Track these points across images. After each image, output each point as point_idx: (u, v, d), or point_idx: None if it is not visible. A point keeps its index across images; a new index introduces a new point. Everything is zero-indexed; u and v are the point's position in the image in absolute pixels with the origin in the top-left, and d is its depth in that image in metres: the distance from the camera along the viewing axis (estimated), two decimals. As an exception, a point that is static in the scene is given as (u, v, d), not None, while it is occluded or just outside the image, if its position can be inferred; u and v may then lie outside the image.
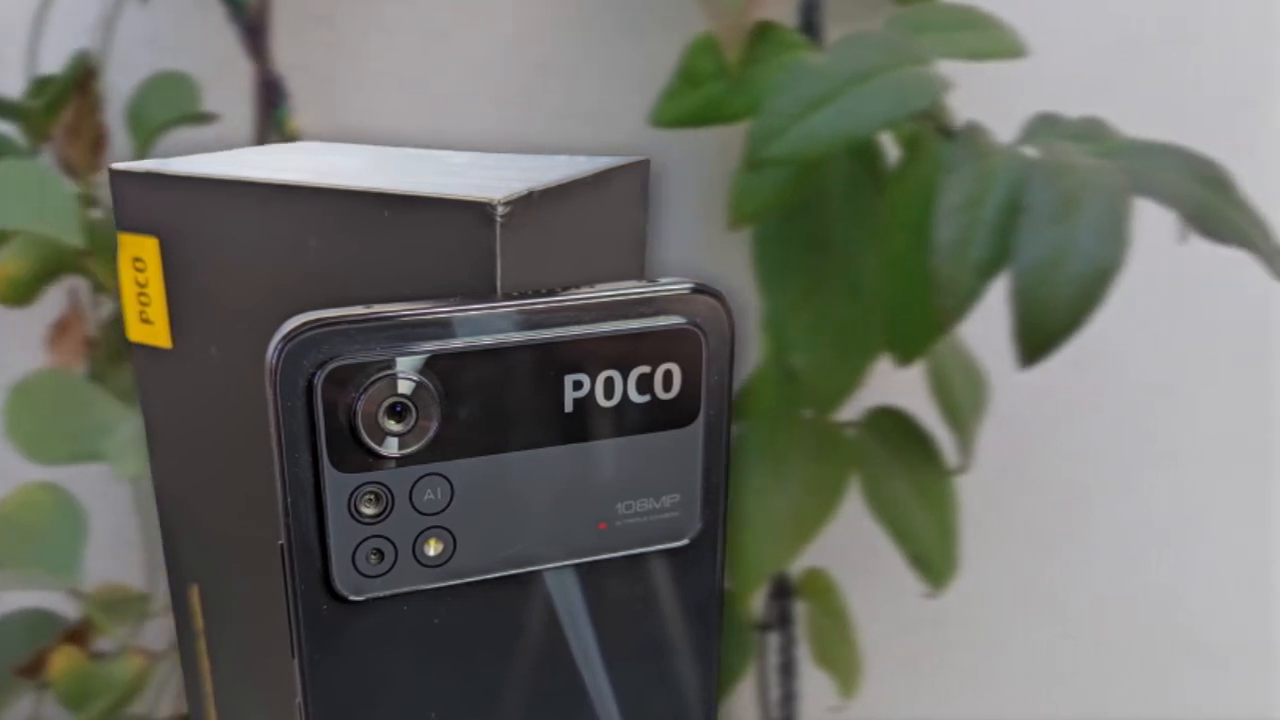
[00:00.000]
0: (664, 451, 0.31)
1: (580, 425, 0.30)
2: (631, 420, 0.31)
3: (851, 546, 0.74)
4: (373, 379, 0.28)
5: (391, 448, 0.29)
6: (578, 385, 0.30)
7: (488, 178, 0.37)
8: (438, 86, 0.82)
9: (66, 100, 0.81)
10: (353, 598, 0.29)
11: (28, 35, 0.80)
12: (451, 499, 0.29)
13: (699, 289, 0.31)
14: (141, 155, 0.77)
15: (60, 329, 0.84)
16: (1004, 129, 0.63)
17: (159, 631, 0.78)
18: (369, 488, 0.29)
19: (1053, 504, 0.86)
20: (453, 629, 0.31)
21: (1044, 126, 0.63)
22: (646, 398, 0.30)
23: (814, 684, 0.82)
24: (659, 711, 0.34)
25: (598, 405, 0.30)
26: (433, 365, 0.28)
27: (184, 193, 0.40)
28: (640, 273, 0.46)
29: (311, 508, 0.28)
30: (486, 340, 0.29)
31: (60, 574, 0.69)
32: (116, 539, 0.79)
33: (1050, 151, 0.59)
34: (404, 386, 0.28)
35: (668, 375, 0.30)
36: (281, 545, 0.29)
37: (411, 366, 0.28)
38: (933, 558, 0.68)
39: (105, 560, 0.76)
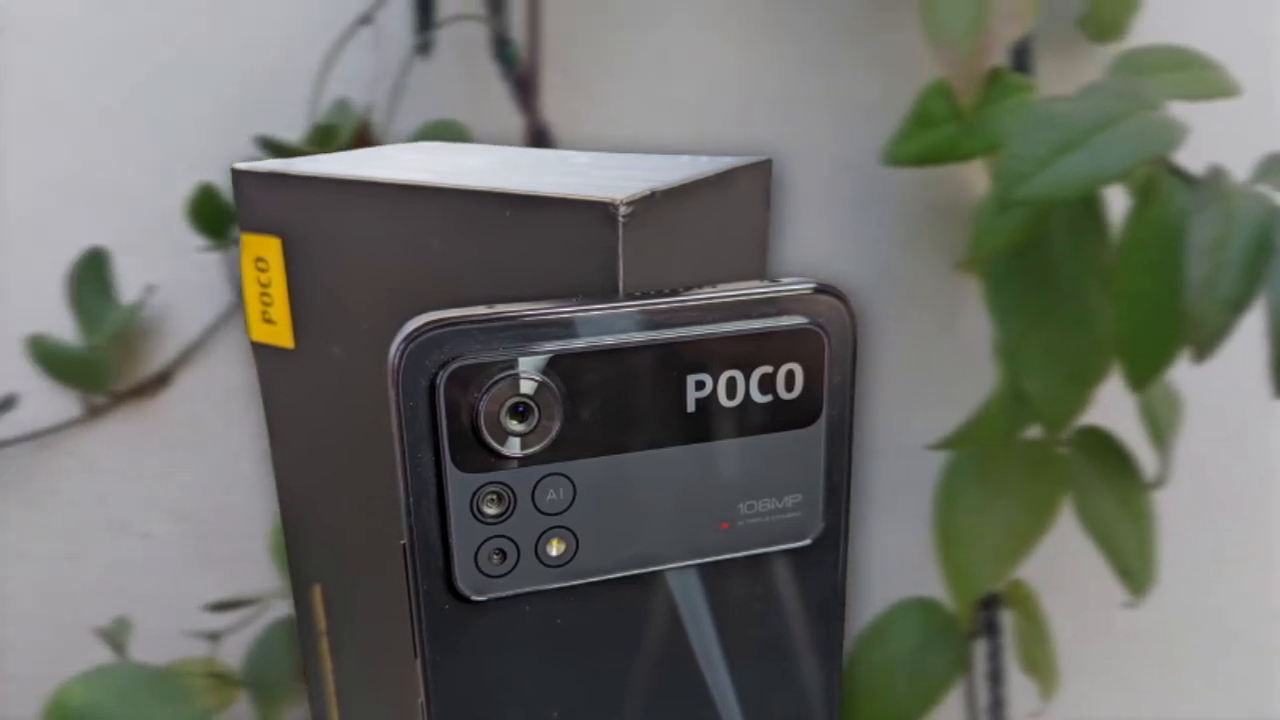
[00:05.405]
0: (786, 451, 0.31)
1: (702, 425, 0.30)
2: (754, 420, 0.30)
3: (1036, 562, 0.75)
4: (495, 379, 0.28)
5: (514, 448, 0.28)
6: (700, 385, 0.29)
7: (610, 178, 0.37)
8: (679, 133, 0.83)
9: (344, 148, 0.81)
10: (475, 597, 0.29)
11: (308, 85, 0.82)
12: (574, 499, 0.29)
13: (821, 289, 0.30)
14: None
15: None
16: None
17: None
18: (491, 488, 0.29)
19: (1230, 520, 0.86)
20: (575, 629, 0.31)
21: (1275, 167, 0.66)
22: (769, 398, 0.30)
23: (1017, 691, 0.85)
24: (781, 712, 0.33)
25: (720, 405, 0.30)
26: (555, 365, 0.28)
27: (307, 193, 0.40)
28: (762, 273, 0.46)
29: (434, 507, 0.29)
30: (609, 340, 0.29)
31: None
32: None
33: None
34: (526, 386, 0.28)
35: (790, 375, 0.30)
36: (404, 545, 0.29)
37: (534, 366, 0.28)
38: (1135, 569, 0.71)
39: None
